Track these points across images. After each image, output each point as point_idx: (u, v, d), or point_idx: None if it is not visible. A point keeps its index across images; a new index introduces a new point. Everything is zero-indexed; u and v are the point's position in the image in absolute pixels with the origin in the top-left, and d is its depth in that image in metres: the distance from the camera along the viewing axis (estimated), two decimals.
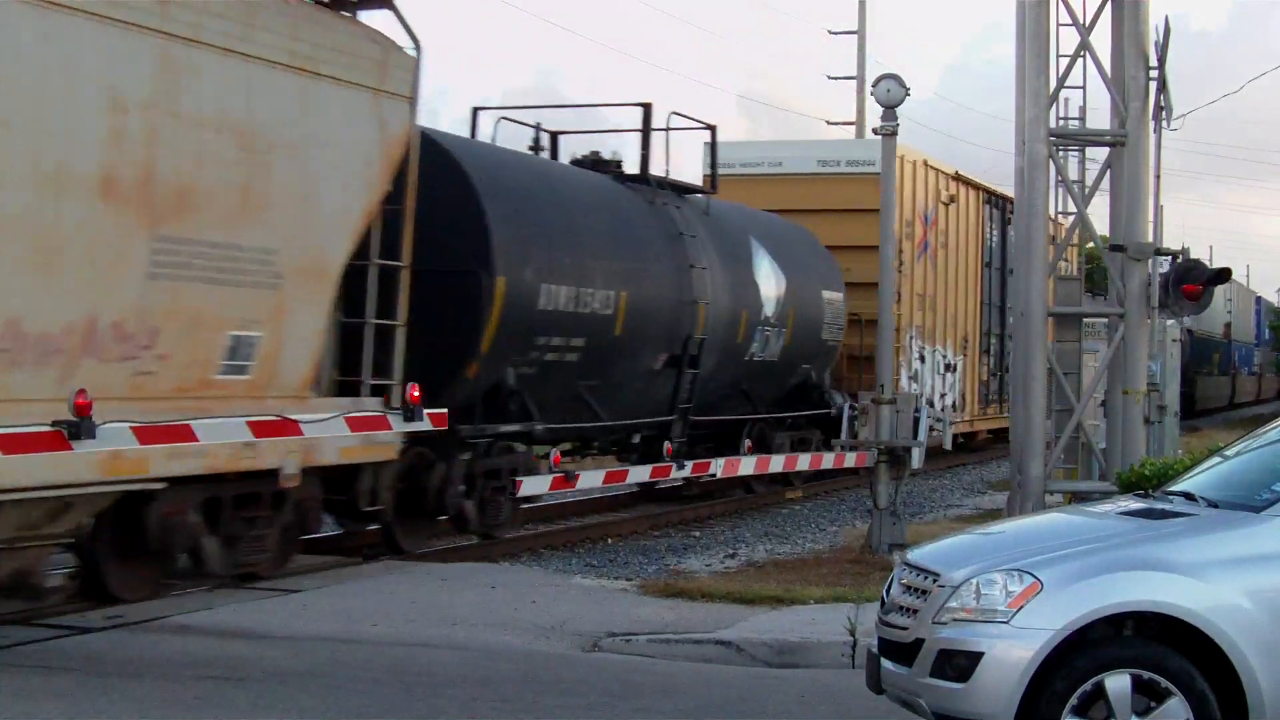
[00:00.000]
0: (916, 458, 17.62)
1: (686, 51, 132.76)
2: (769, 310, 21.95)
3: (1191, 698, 7.19)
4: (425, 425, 14.96)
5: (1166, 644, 7.28)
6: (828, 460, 21.89)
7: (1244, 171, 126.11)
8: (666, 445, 19.70)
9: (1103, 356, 15.76)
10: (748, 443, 21.93)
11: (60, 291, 10.95)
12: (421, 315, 14.87)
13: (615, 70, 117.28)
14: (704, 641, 11.64)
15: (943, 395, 28.21)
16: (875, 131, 18.98)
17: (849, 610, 11.76)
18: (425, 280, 14.93)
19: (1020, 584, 7.33)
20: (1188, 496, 8.27)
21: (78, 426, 10.83)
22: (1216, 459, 9.01)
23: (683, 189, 21.19)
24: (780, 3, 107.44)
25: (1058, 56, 15.19)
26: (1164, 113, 17.41)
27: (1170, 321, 21.39)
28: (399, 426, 14.72)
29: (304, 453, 13.22)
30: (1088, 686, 7.20)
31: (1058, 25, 15.00)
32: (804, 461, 21.87)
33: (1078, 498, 14.90)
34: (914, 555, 8.15)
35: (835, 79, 51.22)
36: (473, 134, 19.65)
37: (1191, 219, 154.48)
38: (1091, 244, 18.25)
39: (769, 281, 22.01)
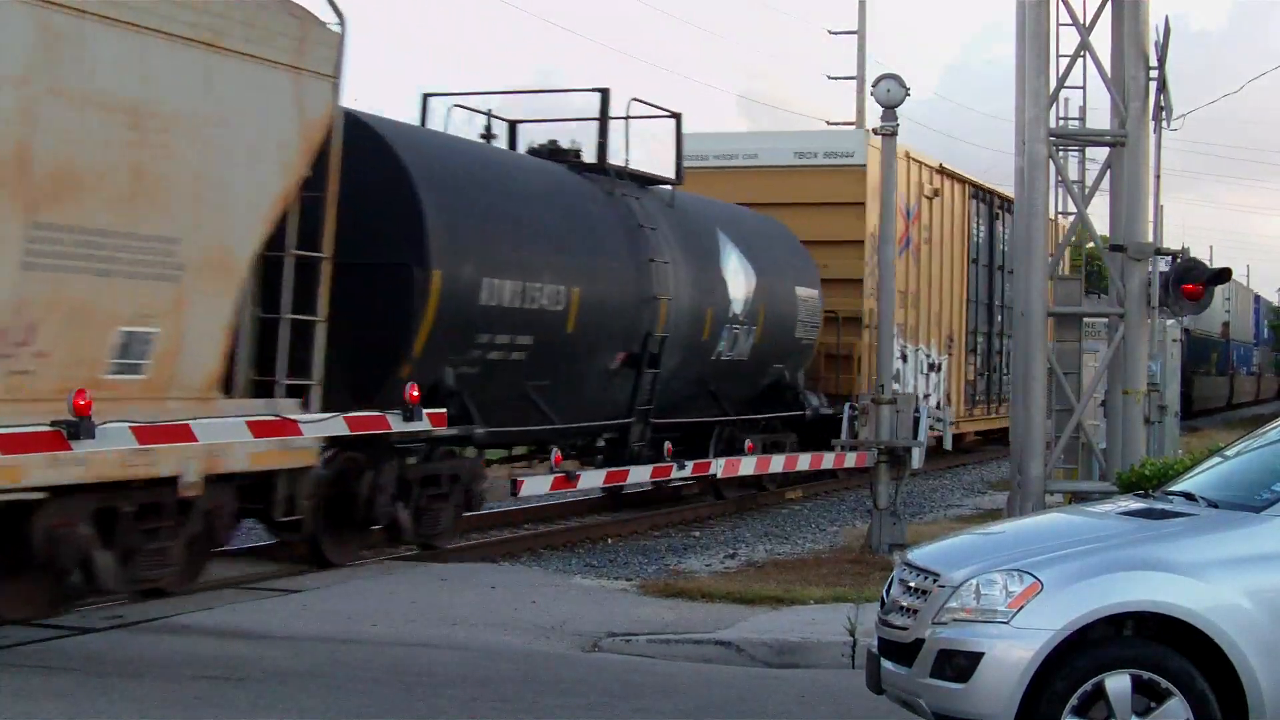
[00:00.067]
0: (916, 458, 17.63)
1: (686, 51, 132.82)
2: (737, 307, 21.12)
3: (1191, 698, 7.19)
4: (424, 425, 14.88)
5: (1166, 644, 7.28)
6: (828, 460, 21.86)
7: (1244, 171, 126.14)
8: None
9: (1103, 356, 15.76)
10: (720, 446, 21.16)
11: None
12: (351, 311, 14.13)
13: (615, 70, 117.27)
14: (704, 641, 11.64)
15: (926, 396, 27.62)
16: (875, 131, 19.00)
17: (849, 610, 11.76)
18: (355, 274, 14.26)
19: (1020, 584, 7.34)
20: (1188, 496, 8.27)
21: None
22: (1216, 459, 9.02)
23: (646, 180, 20.27)
24: (780, 3, 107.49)
25: (1058, 56, 15.19)
26: (1164, 113, 17.41)
27: (1170, 321, 21.39)
28: (398, 426, 14.61)
29: (206, 459, 12.15)
30: (1088, 687, 7.20)
31: (1058, 25, 15.01)
32: (804, 461, 21.83)
33: (1078, 498, 14.91)
34: (914, 555, 8.15)
35: (835, 79, 51.36)
36: (423, 122, 18.77)
37: (1191, 219, 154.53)
38: (1091, 244, 18.25)
39: (737, 277, 21.20)
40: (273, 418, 13.33)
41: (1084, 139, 17.80)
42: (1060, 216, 24.60)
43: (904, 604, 7.81)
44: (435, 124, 18.65)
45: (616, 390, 18.82)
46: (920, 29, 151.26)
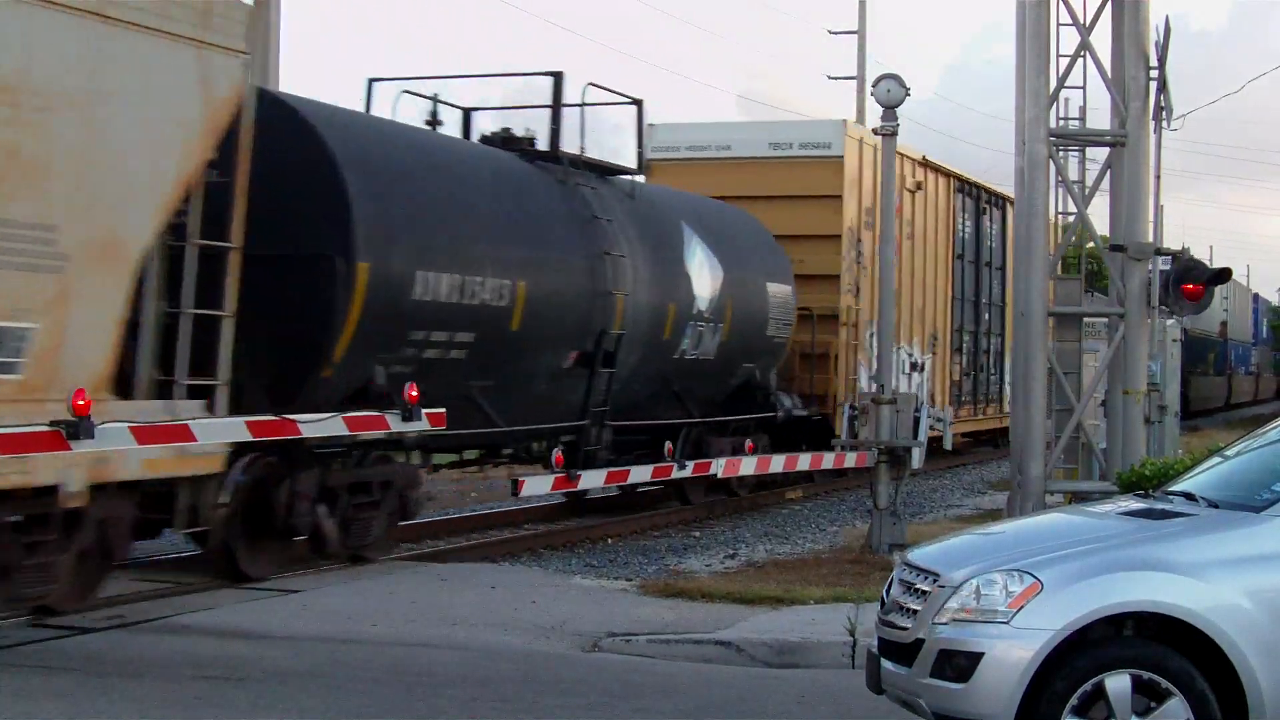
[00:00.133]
0: (916, 458, 17.63)
1: (686, 51, 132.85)
2: (702, 304, 20.14)
3: (1191, 698, 7.19)
4: (424, 426, 14.76)
5: (1166, 644, 7.28)
6: (828, 460, 21.83)
7: (1244, 171, 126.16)
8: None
9: (1103, 356, 15.77)
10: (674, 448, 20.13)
11: None
12: (269, 306, 13.38)
13: (615, 70, 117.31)
14: (704, 641, 11.64)
15: None
16: (876, 131, 18.92)
17: (849, 610, 11.76)
18: (274, 266, 13.51)
19: (1020, 584, 7.33)
20: (1188, 496, 8.27)
21: None
22: (1216, 459, 9.02)
23: (604, 169, 19.22)
24: (780, 3, 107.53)
25: (1058, 56, 15.19)
26: (1164, 113, 17.45)
27: (1170, 321, 21.39)
28: (397, 426, 14.52)
29: (90, 467, 11.17)
30: (1088, 687, 7.20)
31: (1058, 25, 15.01)
32: (804, 461, 21.80)
33: (1078, 498, 14.91)
34: (914, 555, 8.15)
35: (835, 79, 51.43)
36: (367, 108, 17.83)
37: (1191, 219, 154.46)
38: (1091, 244, 18.25)
39: (703, 272, 20.24)
40: (271, 419, 13.25)
41: (1084, 139, 17.80)
42: (1060, 216, 24.49)
43: (904, 604, 7.81)
44: (383, 111, 17.72)
45: (569, 391, 17.88)
46: (920, 29, 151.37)
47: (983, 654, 7.27)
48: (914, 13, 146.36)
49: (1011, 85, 14.99)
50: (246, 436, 13.10)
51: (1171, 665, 7.22)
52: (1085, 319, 17.43)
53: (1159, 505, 8.25)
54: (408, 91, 17.86)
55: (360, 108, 17.65)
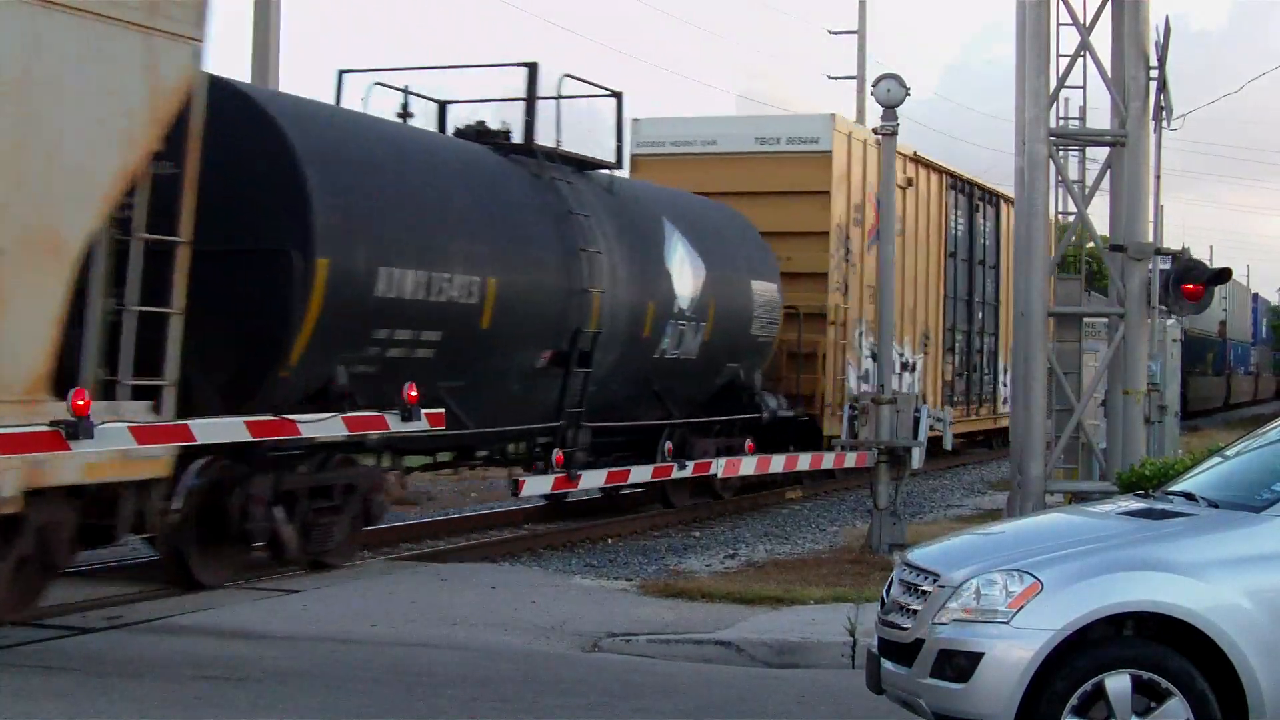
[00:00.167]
0: (916, 458, 17.63)
1: (686, 51, 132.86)
2: (684, 302, 19.59)
3: (1191, 698, 7.19)
4: (423, 426, 14.71)
5: (1166, 644, 7.28)
6: (828, 460, 21.81)
7: (1244, 171, 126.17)
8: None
9: (1103, 356, 15.77)
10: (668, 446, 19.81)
11: None
12: (224, 303, 13.00)
13: (615, 70, 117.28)
14: (704, 642, 11.64)
15: None
16: (876, 132, 18.91)
17: (849, 610, 11.77)
18: (231, 261, 13.12)
19: (1020, 584, 7.34)
20: (1188, 496, 8.28)
21: None
22: (1216, 459, 9.02)
23: (582, 163, 18.64)
24: (780, 3, 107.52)
25: (1058, 56, 15.19)
26: (1164, 113, 17.43)
27: (1170, 321, 21.39)
28: (396, 426, 14.45)
29: (28, 470, 10.66)
30: (1088, 687, 7.20)
31: (1058, 25, 15.01)
32: (804, 461, 21.79)
33: (1078, 498, 14.91)
34: (914, 555, 8.15)
35: (835, 79, 51.39)
36: (338, 101, 17.28)
37: (1191, 219, 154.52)
38: (1091, 244, 18.25)
39: (684, 269, 19.70)
40: (270, 419, 13.14)
41: (1084, 139, 17.80)
42: (1060, 216, 24.41)
43: (904, 604, 7.81)
44: (355, 104, 17.20)
45: (543, 391, 17.32)
46: (920, 29, 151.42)
47: (983, 654, 7.27)
48: (914, 13, 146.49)
49: (1011, 85, 15.00)
50: (246, 437, 12.99)
51: (1171, 665, 7.22)
52: (1085, 319, 17.45)
53: (1159, 505, 8.25)
54: (380, 84, 17.47)
55: (335, 101, 17.23)
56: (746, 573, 15.59)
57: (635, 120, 23.75)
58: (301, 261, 13.59)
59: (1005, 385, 31.82)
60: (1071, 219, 17.09)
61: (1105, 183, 15.67)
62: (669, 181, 22.17)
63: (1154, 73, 15.37)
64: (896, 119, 17.52)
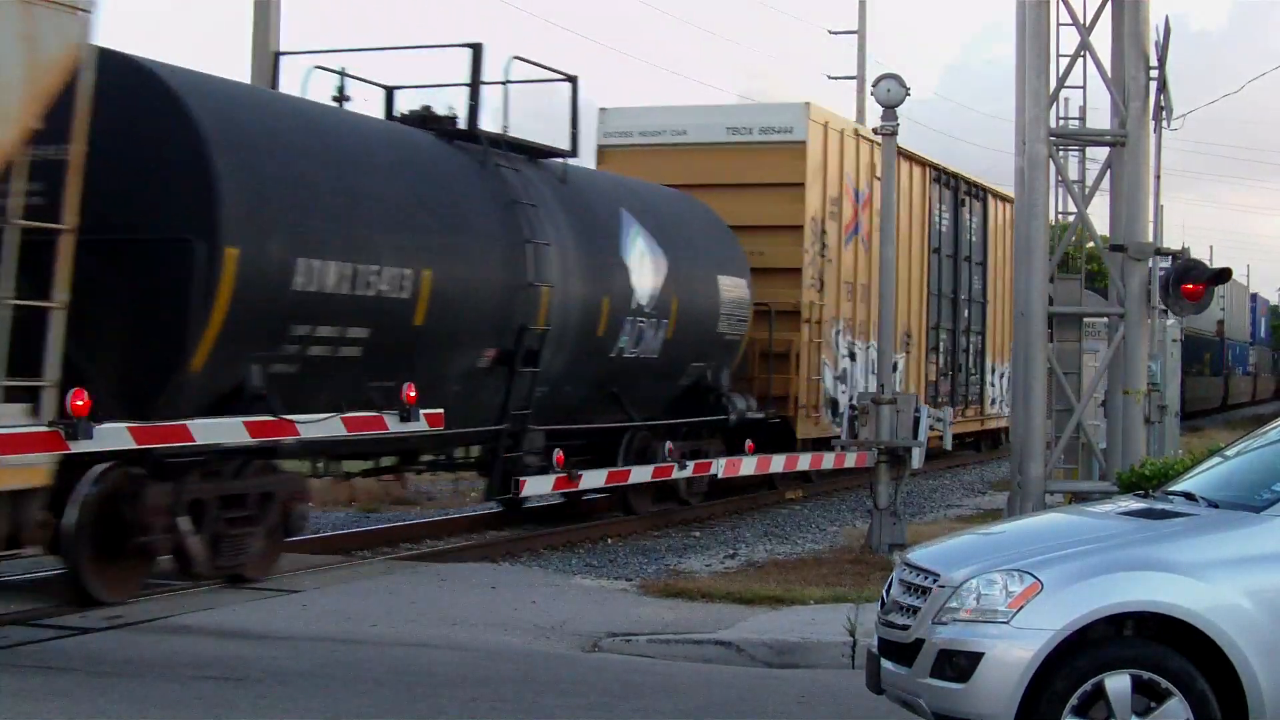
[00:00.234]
0: (916, 458, 17.63)
1: (686, 51, 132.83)
2: (643, 298, 18.63)
3: (1191, 698, 7.19)
4: (421, 426, 14.66)
5: (1166, 644, 7.28)
6: (828, 460, 21.78)
7: (1244, 171, 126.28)
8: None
9: (1103, 356, 15.77)
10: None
11: None
12: (122, 298, 12.22)
13: (615, 70, 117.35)
14: (704, 641, 11.64)
15: None
16: (876, 132, 18.87)
17: (849, 610, 11.77)
18: (129, 252, 12.28)
19: (1020, 584, 7.34)
20: (1188, 496, 8.28)
21: None
22: (1216, 459, 9.02)
23: (534, 151, 17.68)
24: (780, 3, 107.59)
25: (1058, 56, 15.22)
26: (1164, 113, 17.46)
27: (1170, 321, 21.38)
28: (395, 427, 14.44)
29: None
30: (1088, 687, 7.20)
31: (1058, 25, 15.03)
32: (804, 461, 21.76)
33: (1078, 498, 14.91)
34: (914, 555, 8.15)
35: (835, 79, 51.42)
36: (274, 84, 16.43)
37: (1191, 219, 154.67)
38: (1091, 244, 18.25)
39: (644, 263, 18.73)
40: (268, 419, 12.98)
41: (1084, 139, 17.81)
42: (1060, 216, 24.32)
43: (904, 604, 7.81)
44: (293, 89, 16.31)
45: (488, 393, 16.30)
46: (920, 29, 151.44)
47: (983, 654, 7.27)
48: (914, 13, 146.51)
49: (1011, 85, 15.02)
50: (245, 437, 12.85)
51: (1171, 665, 7.22)
52: (1085, 319, 17.46)
53: (1159, 505, 8.25)
54: (320, 68, 16.60)
55: (272, 86, 16.37)
56: (746, 573, 15.59)
57: (602, 110, 23.19)
58: (206, 251, 12.56)
59: (993, 385, 31.19)
60: (1071, 219, 17.09)
61: (1105, 183, 15.68)
62: (637, 174, 21.31)
63: (1154, 73, 15.39)
64: (896, 119, 17.52)
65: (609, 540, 18.44)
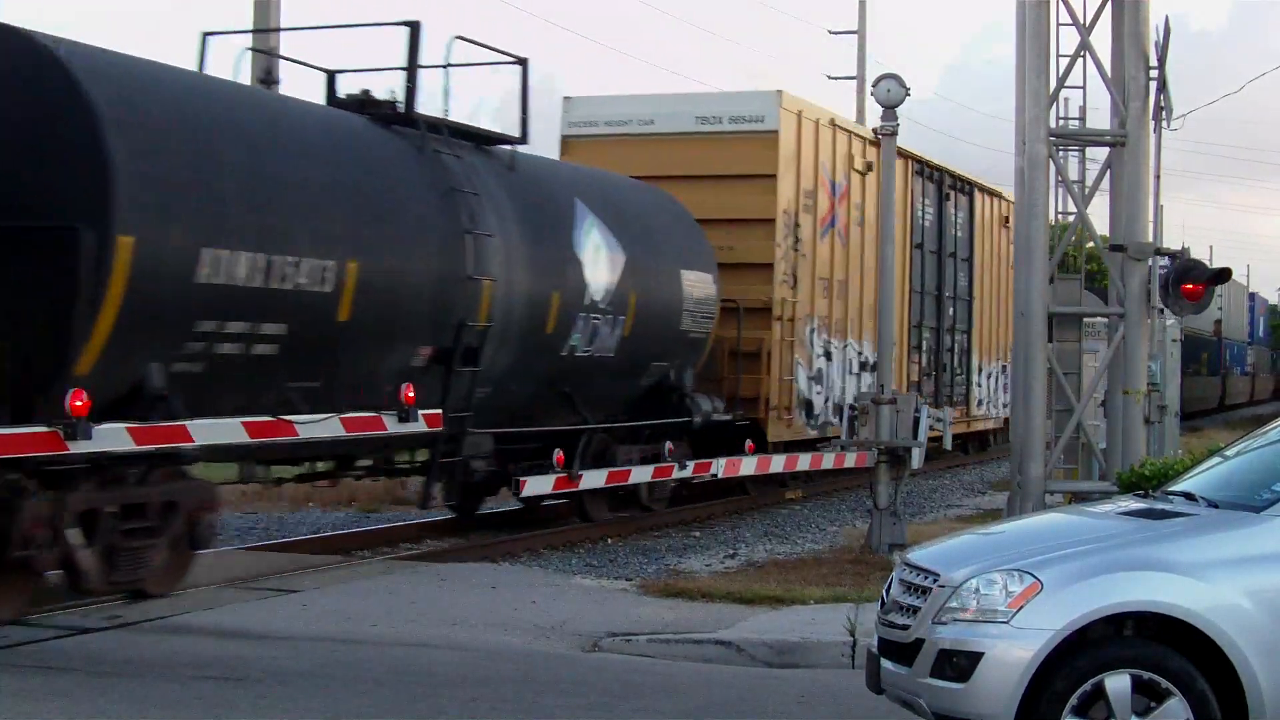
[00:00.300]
0: (916, 458, 17.63)
1: (686, 51, 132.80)
2: (597, 293, 17.63)
3: (1191, 698, 7.19)
4: (420, 427, 14.64)
5: (1166, 644, 7.28)
6: (828, 460, 21.76)
7: (1244, 171, 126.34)
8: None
9: (1103, 356, 15.77)
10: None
11: None
12: (3, 290, 11.46)
13: (615, 70, 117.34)
14: (704, 641, 11.65)
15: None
16: (876, 132, 18.86)
17: (849, 610, 11.77)
18: (9, 241, 11.43)
19: (1020, 584, 7.34)
20: (1188, 496, 8.28)
21: None
22: (1216, 459, 9.02)
23: (479, 137, 16.68)
24: (780, 3, 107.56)
25: (1058, 56, 15.20)
26: (1164, 113, 17.44)
27: (1170, 321, 21.37)
28: (394, 428, 14.28)
29: None
30: (1088, 686, 7.21)
31: (1058, 25, 15.02)
32: (804, 462, 21.74)
33: (1078, 498, 14.91)
34: (914, 555, 8.16)
35: (835, 79, 51.35)
36: (200, 66, 15.34)
37: (1191, 219, 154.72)
38: (1091, 244, 18.25)
39: (599, 256, 17.75)
40: (267, 419, 12.95)
41: (1084, 139, 17.80)
42: (1060, 216, 24.25)
43: (904, 604, 7.81)
44: (224, 71, 15.34)
45: (425, 394, 15.08)
46: (920, 29, 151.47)
47: (983, 654, 7.27)
48: (914, 13, 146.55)
49: (1011, 85, 15.01)
50: (244, 438, 12.79)
51: (1171, 665, 7.22)
52: (1085, 319, 17.46)
53: (1159, 505, 8.26)
54: (253, 49, 15.91)
55: (199, 68, 15.36)
56: (746, 573, 15.59)
57: (566, 99, 22.58)
58: (95, 240, 11.57)
59: (980, 385, 30.41)
60: (1071, 219, 17.09)
61: (1105, 183, 15.68)
62: (602, 165, 20.42)
63: (1154, 73, 15.38)
64: (896, 119, 17.51)
65: (609, 540, 18.42)
